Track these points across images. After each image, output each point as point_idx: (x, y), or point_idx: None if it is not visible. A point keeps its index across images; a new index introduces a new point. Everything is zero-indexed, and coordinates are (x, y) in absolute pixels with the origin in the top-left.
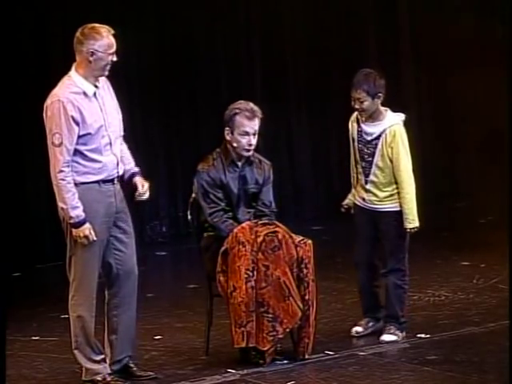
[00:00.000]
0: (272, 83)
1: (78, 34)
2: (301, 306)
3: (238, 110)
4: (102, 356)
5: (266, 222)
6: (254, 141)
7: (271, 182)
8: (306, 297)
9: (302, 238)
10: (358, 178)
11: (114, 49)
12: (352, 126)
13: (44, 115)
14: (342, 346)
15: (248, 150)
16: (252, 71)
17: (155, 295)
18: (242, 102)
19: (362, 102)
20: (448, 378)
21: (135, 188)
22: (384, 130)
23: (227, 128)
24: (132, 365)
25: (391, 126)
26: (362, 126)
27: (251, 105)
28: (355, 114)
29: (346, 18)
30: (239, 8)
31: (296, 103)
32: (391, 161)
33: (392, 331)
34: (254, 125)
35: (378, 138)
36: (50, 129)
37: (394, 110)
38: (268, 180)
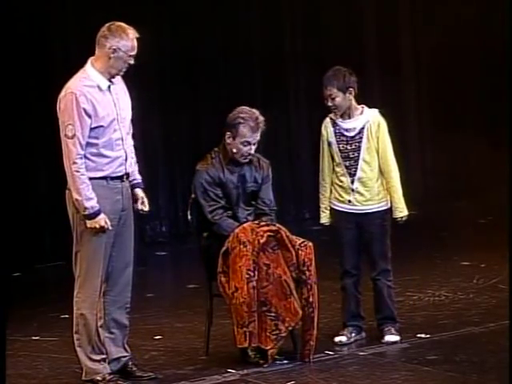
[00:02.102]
0: (272, 83)
1: (104, 28)
2: (300, 305)
3: (242, 120)
4: (103, 356)
5: (268, 223)
6: (253, 150)
7: (270, 181)
8: (310, 299)
9: (302, 240)
10: (338, 182)
11: (134, 52)
12: (327, 131)
13: (57, 108)
14: (342, 346)
15: (246, 158)
16: (252, 71)
17: (155, 295)
18: (246, 109)
19: (333, 99)
20: (448, 378)
21: (135, 200)
22: (367, 122)
23: (229, 132)
24: (132, 365)
25: (373, 117)
26: (340, 124)
27: (256, 114)
28: (327, 119)
29: (346, 17)
30: (239, 8)
31: (296, 103)
32: (377, 152)
33: (393, 331)
34: (256, 136)
35: (360, 131)
36: (63, 121)
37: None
38: (267, 178)
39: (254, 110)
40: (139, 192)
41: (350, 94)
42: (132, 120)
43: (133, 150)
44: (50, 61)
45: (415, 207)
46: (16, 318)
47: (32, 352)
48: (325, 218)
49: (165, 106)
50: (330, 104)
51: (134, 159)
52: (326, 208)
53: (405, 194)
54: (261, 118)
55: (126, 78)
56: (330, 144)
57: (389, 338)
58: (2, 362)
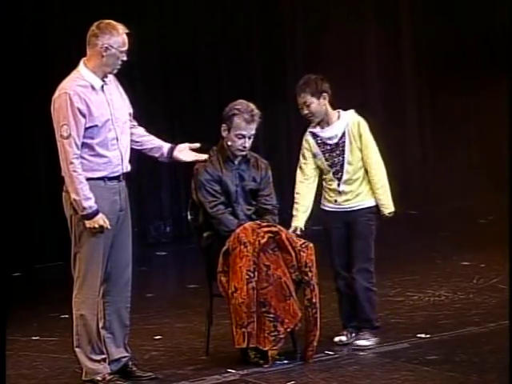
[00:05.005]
0: (272, 82)
1: (93, 27)
2: (299, 307)
3: (237, 111)
4: (103, 356)
5: (269, 223)
6: (248, 143)
7: (271, 180)
8: (313, 300)
9: (303, 241)
10: (328, 186)
11: (126, 47)
12: (309, 144)
13: (51, 108)
14: (342, 345)
15: (242, 151)
16: (252, 71)
17: (155, 295)
18: (243, 102)
19: (308, 106)
20: (448, 378)
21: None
22: (347, 125)
23: (224, 125)
24: (132, 365)
25: (352, 118)
26: (321, 134)
27: (252, 107)
28: (307, 132)
29: (346, 17)
30: (240, 7)
31: (296, 103)
32: (361, 151)
33: (366, 336)
34: (251, 128)
35: (342, 136)
36: (58, 121)
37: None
38: (267, 178)
39: (249, 103)
40: (181, 145)
41: (324, 99)
42: (134, 116)
43: (145, 131)
44: (50, 61)
45: (415, 207)
46: (16, 318)
47: (32, 352)
48: (295, 223)
49: (167, 106)
50: (305, 112)
51: (152, 136)
52: (302, 215)
53: (404, 194)
54: (256, 111)
55: (126, 77)
56: (315, 155)
57: (358, 342)
58: (2, 362)
